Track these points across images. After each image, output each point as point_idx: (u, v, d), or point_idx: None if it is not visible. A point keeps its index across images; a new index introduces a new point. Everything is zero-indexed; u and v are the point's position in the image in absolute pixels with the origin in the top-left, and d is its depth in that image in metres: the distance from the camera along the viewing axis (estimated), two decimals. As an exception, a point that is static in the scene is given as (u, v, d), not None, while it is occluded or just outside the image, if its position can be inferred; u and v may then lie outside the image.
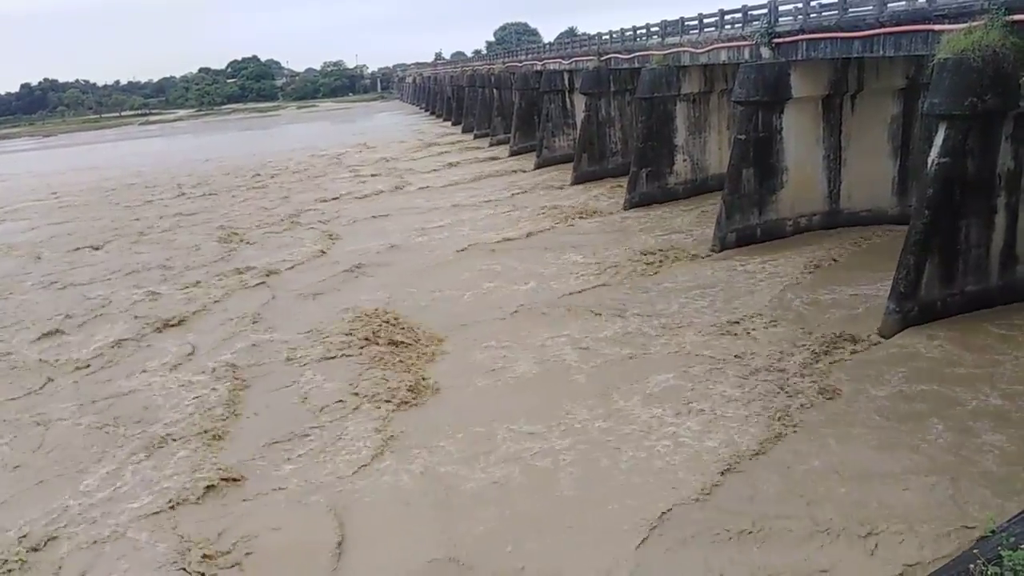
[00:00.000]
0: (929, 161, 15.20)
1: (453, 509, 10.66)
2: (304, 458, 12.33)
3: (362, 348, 16.72)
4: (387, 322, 18.12)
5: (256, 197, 40.40)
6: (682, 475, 10.94)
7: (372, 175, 45.14)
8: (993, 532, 6.22)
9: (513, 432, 12.56)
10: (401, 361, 15.92)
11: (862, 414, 12.20)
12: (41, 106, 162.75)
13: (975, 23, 14.23)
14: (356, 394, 14.42)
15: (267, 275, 23.82)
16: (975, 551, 5.94)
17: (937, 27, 15.32)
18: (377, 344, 16.85)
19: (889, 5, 16.93)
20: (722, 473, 10.87)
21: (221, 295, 22.06)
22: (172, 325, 19.70)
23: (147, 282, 24.22)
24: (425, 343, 16.97)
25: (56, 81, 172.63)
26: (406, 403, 13.97)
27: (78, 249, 30.50)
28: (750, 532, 9.55)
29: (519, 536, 9.97)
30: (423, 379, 14.97)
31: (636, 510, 10.19)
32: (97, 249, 30.34)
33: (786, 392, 13.06)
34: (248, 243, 29.03)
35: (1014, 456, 10.55)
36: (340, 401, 14.22)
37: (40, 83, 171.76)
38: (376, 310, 19.07)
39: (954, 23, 14.82)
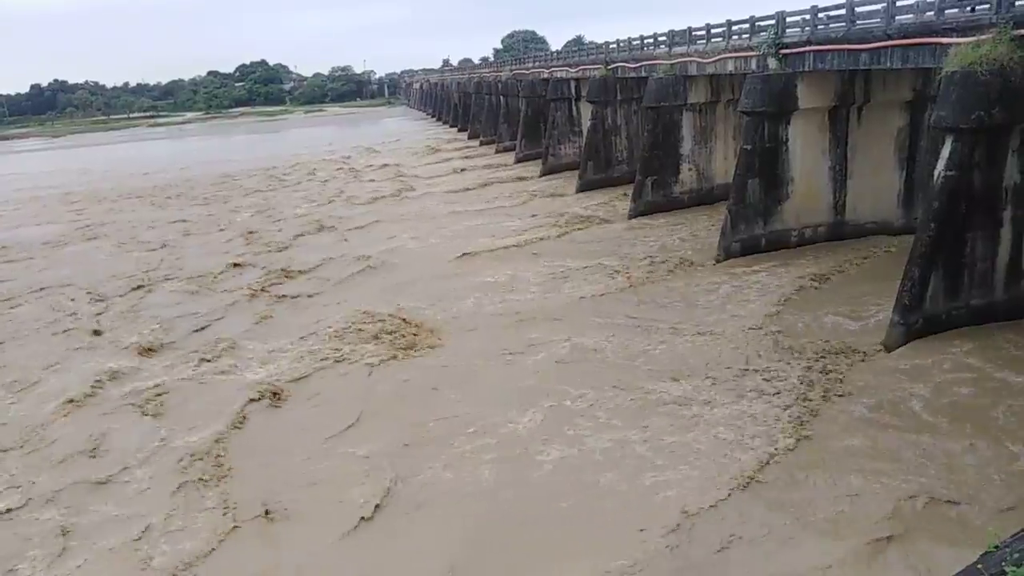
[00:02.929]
0: (935, 174, 15.17)
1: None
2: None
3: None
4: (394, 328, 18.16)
5: (261, 201, 40.51)
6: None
7: (377, 180, 45.22)
8: (996, 547, 6.15)
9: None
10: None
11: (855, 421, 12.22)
12: (50, 107, 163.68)
13: (983, 36, 14.22)
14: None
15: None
16: (979, 565, 5.88)
17: (945, 40, 15.30)
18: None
19: (897, 17, 16.94)
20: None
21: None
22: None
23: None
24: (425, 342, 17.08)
25: (65, 82, 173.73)
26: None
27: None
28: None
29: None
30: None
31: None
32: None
33: (786, 400, 13.03)
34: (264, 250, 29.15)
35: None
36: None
37: (50, 84, 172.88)
38: (382, 314, 19.12)
39: (962, 36, 14.81)
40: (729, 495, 10.51)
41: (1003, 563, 5.62)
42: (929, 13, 16.03)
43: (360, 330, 18.08)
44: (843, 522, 9.79)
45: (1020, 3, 14.09)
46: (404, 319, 18.71)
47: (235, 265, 25.82)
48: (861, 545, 9.28)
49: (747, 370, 14.53)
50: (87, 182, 54.30)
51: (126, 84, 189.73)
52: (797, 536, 9.61)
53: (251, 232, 31.57)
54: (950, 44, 15.06)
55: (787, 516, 9.99)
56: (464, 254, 25.00)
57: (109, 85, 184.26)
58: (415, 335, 17.62)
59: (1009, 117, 14.26)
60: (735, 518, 10.01)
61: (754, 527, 9.80)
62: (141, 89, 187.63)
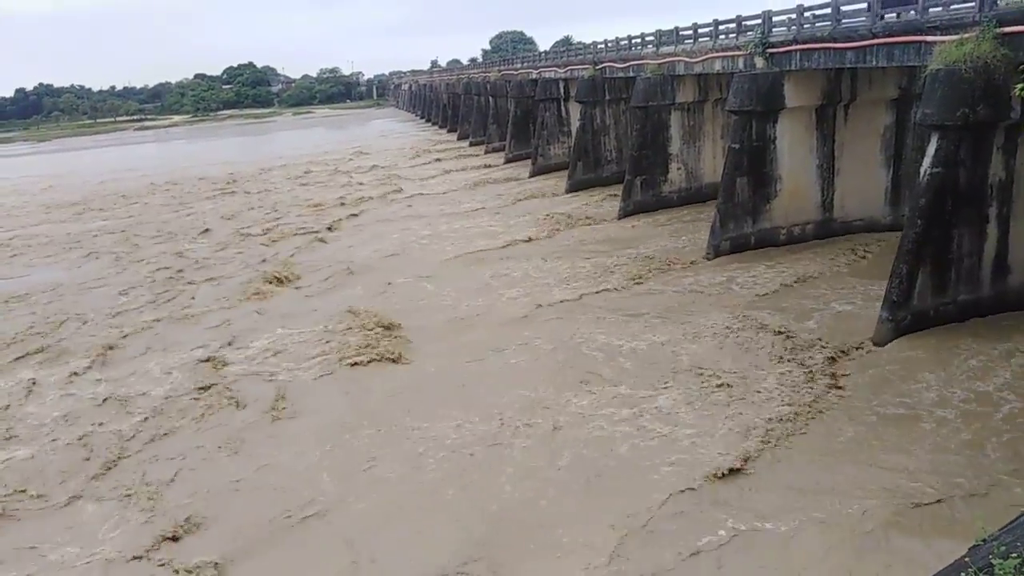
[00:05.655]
0: (921, 171, 15.29)
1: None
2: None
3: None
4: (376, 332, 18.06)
5: (262, 202, 40.39)
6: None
7: (366, 182, 45.10)
8: (984, 541, 6.21)
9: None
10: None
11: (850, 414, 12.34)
12: (36, 111, 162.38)
13: (967, 35, 14.35)
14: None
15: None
16: (966, 559, 5.93)
17: (929, 38, 15.43)
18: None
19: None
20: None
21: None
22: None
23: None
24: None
25: (51, 86, 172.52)
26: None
27: None
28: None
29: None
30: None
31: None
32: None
33: (771, 394, 13.12)
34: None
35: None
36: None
37: (35, 88, 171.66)
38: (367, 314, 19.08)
39: (946, 34, 14.93)
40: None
41: (990, 556, 5.67)
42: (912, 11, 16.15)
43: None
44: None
45: (1003, 1, 14.23)
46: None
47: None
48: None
49: (734, 364, 14.61)
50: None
51: (112, 87, 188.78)
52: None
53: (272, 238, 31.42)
54: (934, 42, 15.19)
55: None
56: (451, 258, 24.90)
57: (96, 88, 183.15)
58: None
59: (993, 114, 14.40)
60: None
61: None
62: (128, 92, 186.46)
